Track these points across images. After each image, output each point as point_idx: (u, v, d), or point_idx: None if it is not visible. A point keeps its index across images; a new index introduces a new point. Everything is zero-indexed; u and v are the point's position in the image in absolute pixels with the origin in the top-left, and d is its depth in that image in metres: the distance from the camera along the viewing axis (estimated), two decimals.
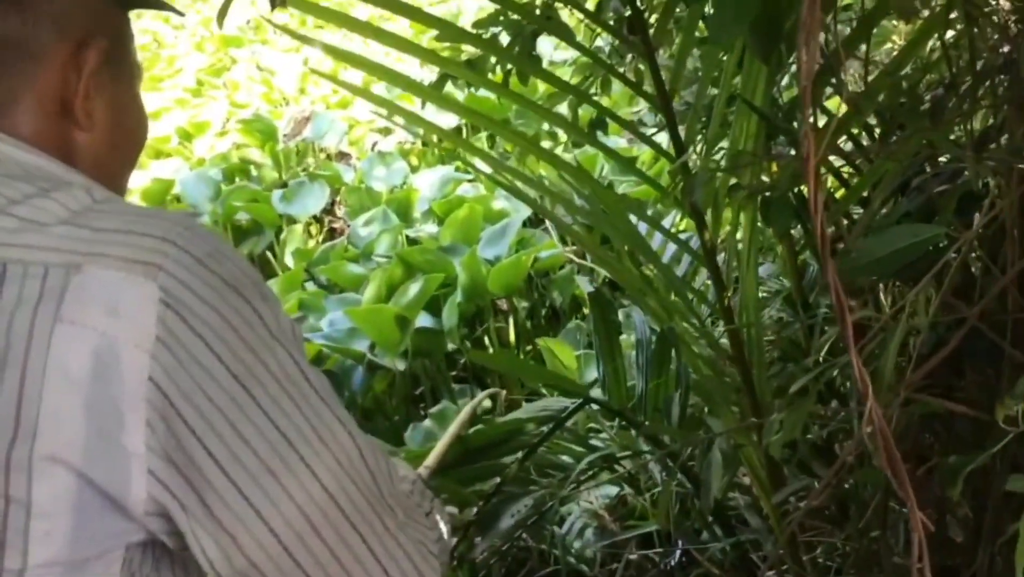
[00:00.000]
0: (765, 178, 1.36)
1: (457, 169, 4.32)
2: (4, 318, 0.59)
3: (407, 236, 3.83)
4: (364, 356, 3.06)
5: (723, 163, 1.32)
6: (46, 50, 0.70)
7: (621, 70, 1.76)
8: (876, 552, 1.47)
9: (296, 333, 0.68)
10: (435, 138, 4.81)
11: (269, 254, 4.21)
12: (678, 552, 1.81)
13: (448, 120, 4.14)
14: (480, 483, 1.70)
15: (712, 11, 0.77)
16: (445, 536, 0.78)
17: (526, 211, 3.66)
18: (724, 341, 1.70)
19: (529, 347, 3.55)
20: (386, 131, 5.16)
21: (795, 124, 1.56)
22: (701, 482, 1.46)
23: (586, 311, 3.70)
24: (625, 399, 1.68)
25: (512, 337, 3.54)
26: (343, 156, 5.05)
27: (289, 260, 3.99)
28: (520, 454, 1.67)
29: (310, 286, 3.77)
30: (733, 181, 1.19)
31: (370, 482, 0.67)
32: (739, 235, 1.45)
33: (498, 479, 1.68)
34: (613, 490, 2.09)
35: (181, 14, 0.92)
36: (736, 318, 1.45)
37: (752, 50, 0.79)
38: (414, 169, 4.52)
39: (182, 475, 0.61)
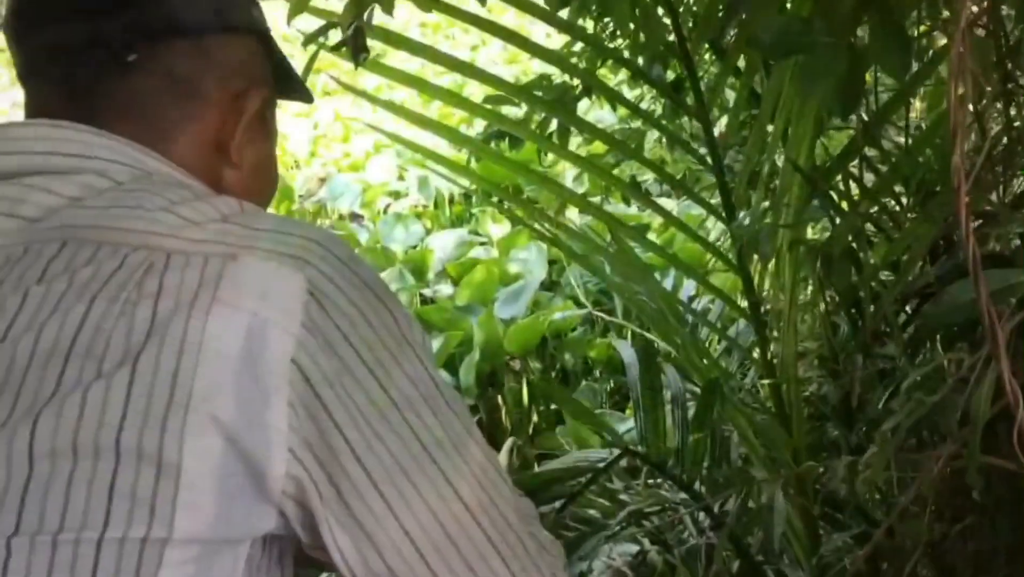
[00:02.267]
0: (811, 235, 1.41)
1: (470, 232, 4.40)
2: (169, 300, 0.62)
3: (422, 295, 3.88)
4: None
5: (770, 221, 1.38)
6: (212, 92, 0.75)
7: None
8: None
9: (427, 344, 0.69)
10: (448, 200, 4.90)
11: None
12: None
13: (460, 183, 4.22)
14: None
15: (800, 69, 0.83)
16: (568, 566, 0.77)
17: (541, 274, 3.72)
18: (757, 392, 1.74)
19: (543, 408, 3.58)
20: (398, 194, 5.24)
21: (833, 186, 1.62)
22: (738, 538, 1.48)
23: (597, 373, 3.74)
24: (663, 453, 1.71)
25: (525, 397, 3.56)
26: (355, 217, 5.12)
27: None
28: (557, 504, 1.69)
29: None
30: (793, 238, 1.25)
31: (512, 500, 0.67)
32: (781, 292, 1.50)
33: None
34: (634, 548, 2.10)
35: (311, 101, 0.96)
36: (777, 373, 1.50)
37: (835, 110, 0.84)
38: (427, 231, 4.59)
39: (319, 461, 0.62)
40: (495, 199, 4.54)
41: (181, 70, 0.74)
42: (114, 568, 0.58)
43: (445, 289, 3.91)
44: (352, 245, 4.57)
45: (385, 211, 5.11)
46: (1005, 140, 1.40)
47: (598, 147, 2.28)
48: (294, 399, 0.62)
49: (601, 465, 1.68)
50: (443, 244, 4.22)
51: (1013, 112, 1.39)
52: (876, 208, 1.66)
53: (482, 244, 4.26)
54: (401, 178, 5.32)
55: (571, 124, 1.60)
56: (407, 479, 0.63)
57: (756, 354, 1.49)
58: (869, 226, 1.72)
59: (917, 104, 2.44)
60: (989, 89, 1.44)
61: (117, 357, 0.60)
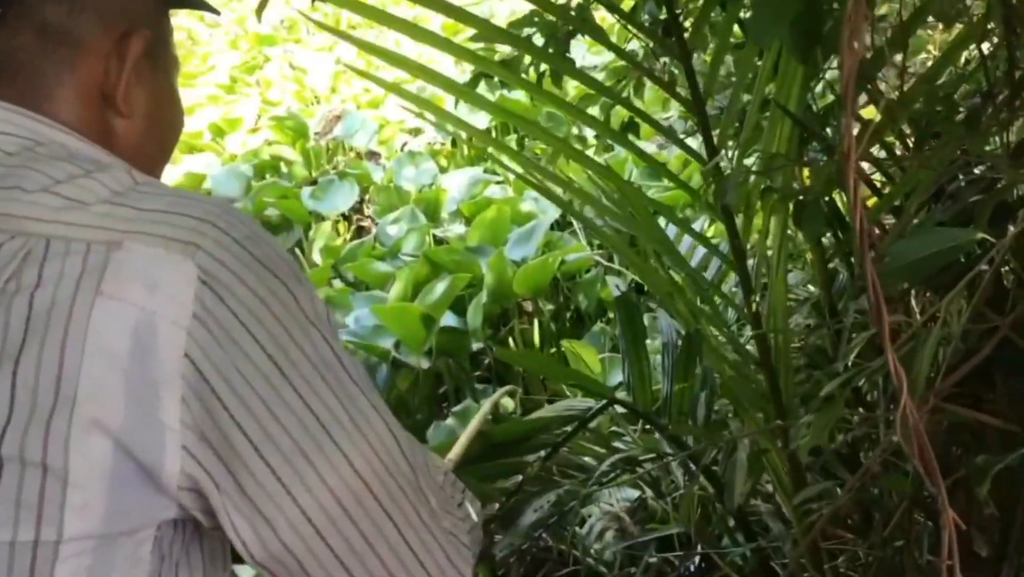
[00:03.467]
0: (797, 184, 1.35)
1: (486, 171, 4.34)
2: (46, 293, 0.60)
3: (434, 236, 3.85)
4: (389, 353, 3.07)
5: (756, 167, 1.32)
6: (90, 39, 0.72)
7: (654, 74, 1.77)
8: (900, 562, 1.47)
9: (331, 319, 0.68)
10: (465, 138, 4.84)
11: (298, 251, 4.24)
12: (698, 557, 1.81)
13: (479, 121, 4.17)
14: (503, 480, 1.70)
15: (752, 12, 0.77)
16: (477, 526, 0.78)
17: (554, 213, 3.66)
18: (750, 347, 1.70)
19: (553, 349, 3.55)
20: (416, 131, 5.19)
21: (829, 130, 1.56)
22: (724, 485, 1.46)
23: (611, 315, 3.70)
24: (650, 402, 1.68)
25: (536, 339, 3.54)
26: (373, 155, 5.08)
27: (317, 257, 4.02)
28: (543, 453, 1.67)
29: (337, 283, 3.79)
30: (766, 184, 1.19)
31: (406, 471, 0.67)
32: (769, 241, 1.45)
33: (520, 477, 1.69)
34: (634, 493, 2.09)
35: (217, 12, 0.93)
36: (764, 323, 1.45)
37: (791, 51, 0.79)
38: (443, 170, 4.54)
39: (215, 452, 0.61)
40: (512, 136, 4.50)
41: (54, 20, 0.70)
42: (6, 568, 0.58)
43: (458, 229, 3.88)
44: (366, 184, 4.57)
45: (402, 149, 5.06)
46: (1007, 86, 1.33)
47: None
48: (187, 393, 0.60)
49: (587, 415, 1.65)
50: (457, 183, 4.17)
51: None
52: (883, 151, 1.59)
53: (498, 183, 4.21)
54: (420, 115, 5.25)
55: (556, 66, 1.54)
56: (306, 461, 0.62)
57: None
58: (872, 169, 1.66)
59: (937, 37, 2.34)
60: (992, 26, 1.37)
61: None
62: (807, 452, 0.96)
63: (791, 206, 1.01)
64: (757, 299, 1.44)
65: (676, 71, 1.83)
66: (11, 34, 0.70)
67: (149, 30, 0.75)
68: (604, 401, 1.63)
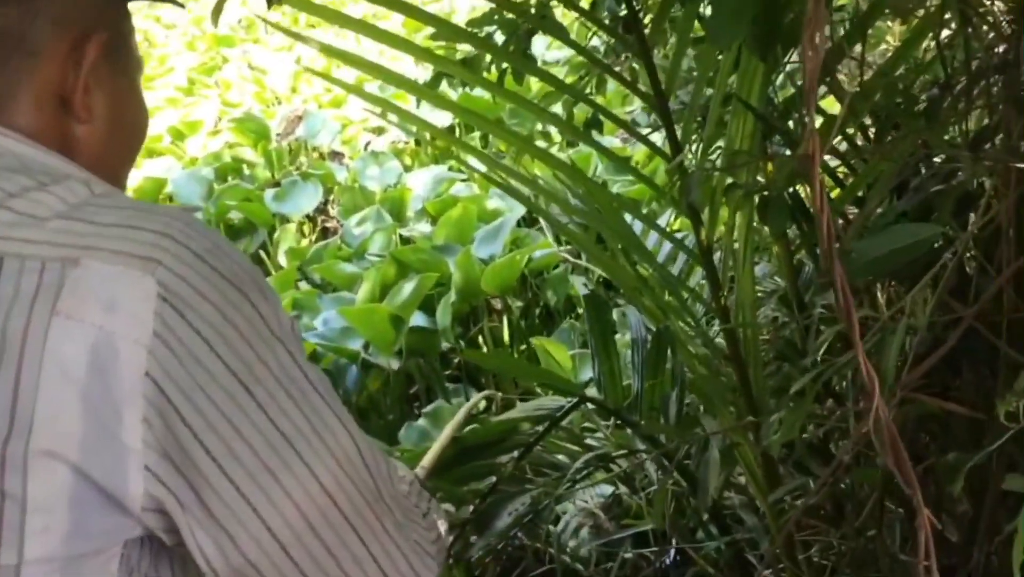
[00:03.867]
0: (761, 178, 1.36)
1: (451, 169, 4.32)
2: (0, 313, 0.58)
3: (401, 235, 3.83)
4: (358, 355, 3.05)
5: (719, 162, 1.32)
6: (45, 44, 0.70)
7: (616, 69, 1.76)
8: (872, 551, 1.48)
9: (295, 331, 0.68)
10: (429, 137, 4.81)
11: (262, 253, 4.20)
12: (672, 551, 1.81)
13: (442, 119, 4.15)
14: (476, 482, 1.70)
15: (710, 11, 0.77)
16: (442, 536, 0.78)
17: (520, 210, 3.65)
18: (720, 341, 1.70)
19: (524, 346, 3.55)
20: (379, 130, 5.15)
21: (791, 124, 1.56)
22: (697, 481, 1.46)
23: (580, 311, 3.70)
24: (621, 398, 1.68)
25: (506, 336, 3.53)
26: (336, 155, 5.04)
27: (282, 259, 3.99)
28: (516, 453, 1.67)
29: (303, 285, 3.76)
30: (730, 180, 1.19)
31: (369, 482, 0.67)
32: (735, 234, 1.45)
33: (494, 478, 1.68)
34: (608, 489, 2.10)
35: (182, 6, 0.91)
36: (732, 317, 1.45)
37: (751, 49, 0.79)
38: (408, 169, 4.52)
39: (179, 472, 0.60)
40: (476, 133, 4.47)
41: (5, 26, 0.68)
42: None
43: (424, 228, 3.86)
44: (330, 184, 4.54)
45: (366, 148, 5.03)
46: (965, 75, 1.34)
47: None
48: (149, 413, 0.59)
49: (558, 414, 1.65)
50: (422, 182, 4.15)
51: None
52: (845, 143, 1.60)
53: (463, 180, 4.19)
54: (383, 115, 5.21)
55: (516, 65, 1.53)
56: (271, 476, 0.62)
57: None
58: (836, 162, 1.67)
59: (897, 28, 2.35)
60: (948, 17, 1.38)
61: None
62: (779, 447, 0.96)
63: (756, 200, 1.01)
64: (725, 293, 1.45)
65: (638, 67, 1.83)
66: None
67: (106, 32, 0.73)
68: (575, 400, 1.63)
